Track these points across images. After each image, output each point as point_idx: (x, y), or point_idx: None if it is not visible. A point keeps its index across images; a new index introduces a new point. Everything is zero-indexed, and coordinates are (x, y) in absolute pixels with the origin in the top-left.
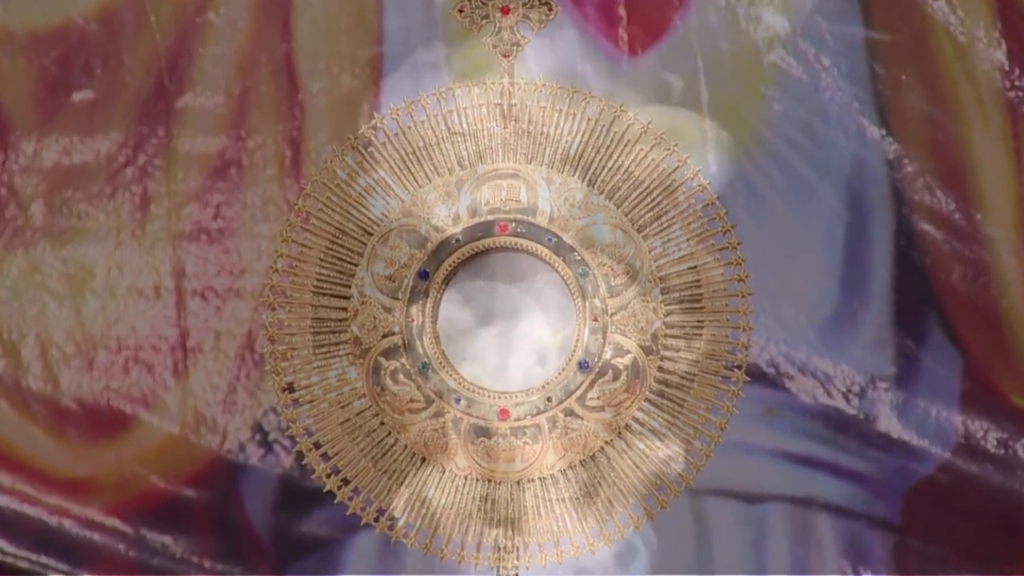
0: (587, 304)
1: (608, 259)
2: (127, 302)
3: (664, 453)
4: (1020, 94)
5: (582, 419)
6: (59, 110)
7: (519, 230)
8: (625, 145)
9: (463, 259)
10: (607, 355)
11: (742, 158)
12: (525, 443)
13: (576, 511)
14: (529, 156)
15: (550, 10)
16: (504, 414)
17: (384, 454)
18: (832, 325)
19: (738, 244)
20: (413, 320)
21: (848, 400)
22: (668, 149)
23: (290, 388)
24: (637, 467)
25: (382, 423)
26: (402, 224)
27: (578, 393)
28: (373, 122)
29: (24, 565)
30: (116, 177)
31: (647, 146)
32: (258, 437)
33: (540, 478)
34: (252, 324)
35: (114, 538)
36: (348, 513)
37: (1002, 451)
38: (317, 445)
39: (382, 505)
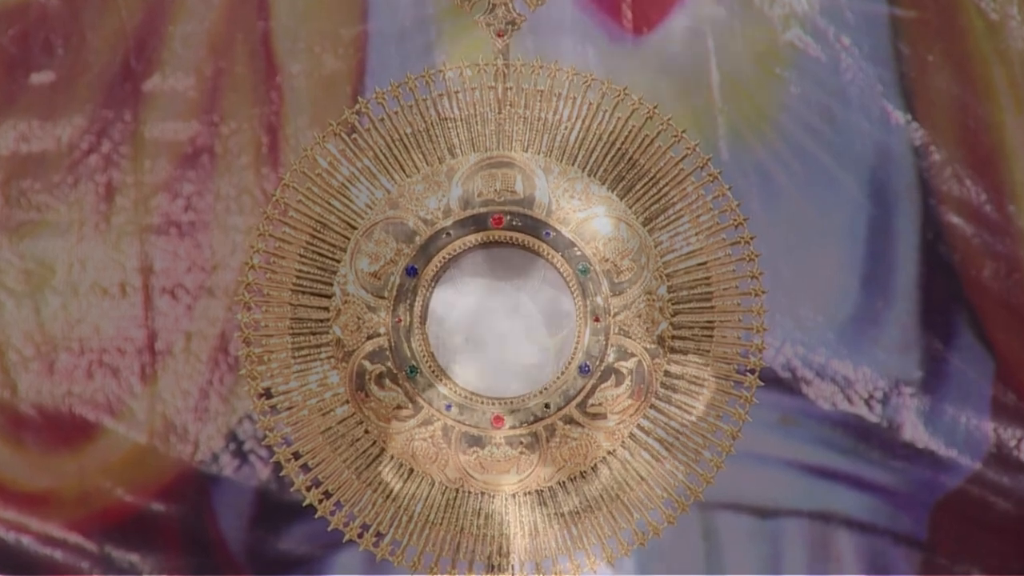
0: (588, 303)
1: (611, 254)
2: (90, 301)
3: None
4: None
5: (582, 427)
6: (17, 93)
7: (515, 223)
8: (629, 131)
9: (454, 254)
10: (610, 358)
11: (756, 145)
12: (521, 453)
13: (576, 527)
14: (525, 143)
15: None
16: (498, 422)
17: (369, 465)
18: (853, 326)
19: (751, 238)
20: (400, 321)
21: (870, 407)
22: (676, 135)
23: (267, 394)
24: (642, 479)
25: (366, 432)
26: (388, 217)
27: (578, 399)
28: (357, 106)
29: None
30: (79, 166)
31: (653, 132)
32: (232, 447)
33: (537, 491)
34: (226, 325)
35: (76, 556)
36: (330, 529)
37: None
38: (296, 455)
39: (366, 520)
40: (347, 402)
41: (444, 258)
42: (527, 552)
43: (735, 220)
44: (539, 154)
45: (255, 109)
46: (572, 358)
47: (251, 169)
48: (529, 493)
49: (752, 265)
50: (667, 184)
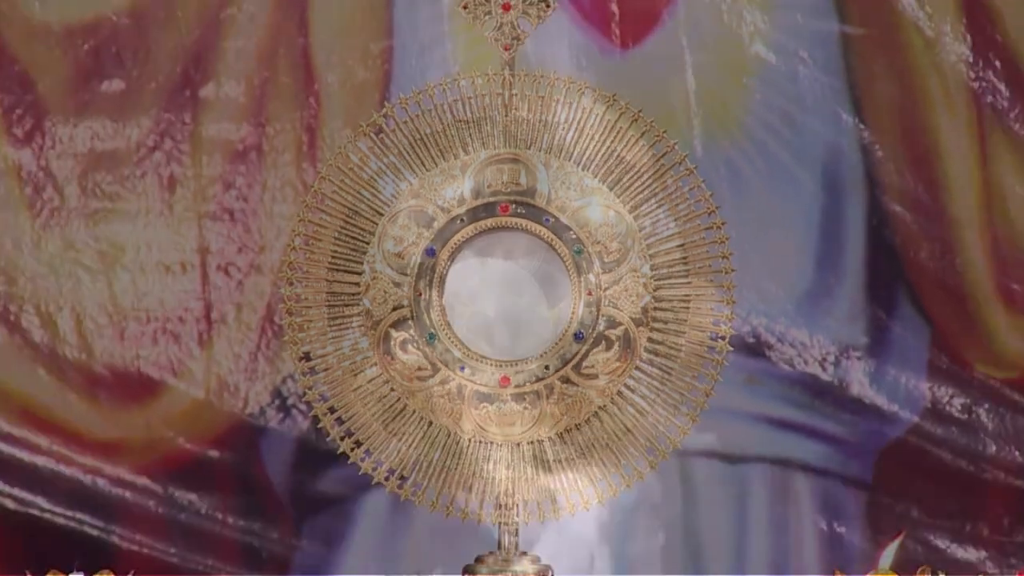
0: (582, 279)
1: (602, 238)
2: (156, 277)
3: None
4: (983, 85)
5: (577, 386)
6: (92, 98)
7: (519, 211)
8: (617, 132)
9: (467, 238)
10: (600, 327)
11: (726, 144)
12: (524, 408)
13: (572, 471)
14: (528, 142)
15: (548, 6)
16: (505, 381)
17: (394, 418)
18: (809, 299)
19: (722, 224)
20: (421, 294)
21: (824, 368)
22: (657, 135)
23: (307, 357)
24: (629, 431)
25: (392, 389)
26: (411, 205)
27: (574, 362)
28: (384, 110)
29: (60, 521)
30: (145, 161)
31: (638, 133)
32: (277, 402)
33: (538, 440)
34: (272, 297)
35: (144, 495)
36: (360, 473)
37: (965, 416)
38: (332, 410)
39: (392, 465)
40: (375, 364)
41: (459, 241)
42: (530, 493)
43: (708, 208)
44: (540, 151)
45: (296, 113)
46: (568, 326)
47: (293, 164)
48: (531, 443)
49: (723, 247)
50: (650, 177)
